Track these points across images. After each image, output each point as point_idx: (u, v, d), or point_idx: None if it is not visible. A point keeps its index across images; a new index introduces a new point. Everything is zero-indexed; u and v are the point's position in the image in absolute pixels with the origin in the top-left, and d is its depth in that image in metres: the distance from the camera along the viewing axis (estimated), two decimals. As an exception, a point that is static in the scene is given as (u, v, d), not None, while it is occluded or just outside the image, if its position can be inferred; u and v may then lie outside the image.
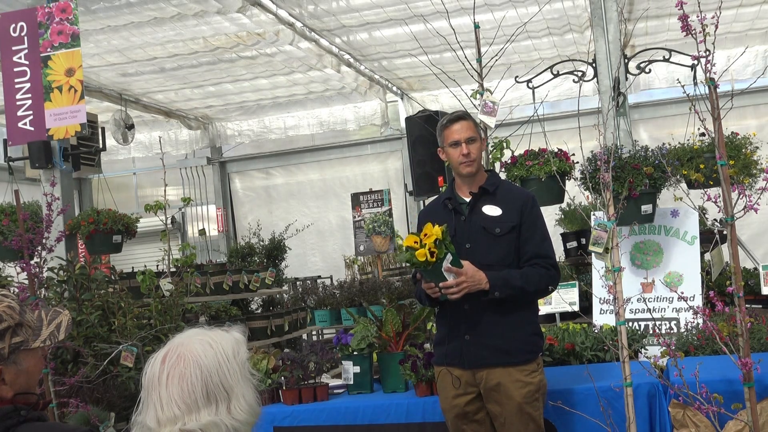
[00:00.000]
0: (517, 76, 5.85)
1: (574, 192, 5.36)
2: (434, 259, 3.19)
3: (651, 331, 4.67)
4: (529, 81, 5.79)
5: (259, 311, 7.99)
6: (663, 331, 4.84)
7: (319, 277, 10.49)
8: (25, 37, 5.96)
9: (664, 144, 5.03)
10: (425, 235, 3.17)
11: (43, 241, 4.14)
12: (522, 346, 3.38)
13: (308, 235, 11.18)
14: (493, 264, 3.32)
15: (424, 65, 7.07)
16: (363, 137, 11.79)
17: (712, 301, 2.80)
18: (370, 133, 11.51)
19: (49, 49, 5.92)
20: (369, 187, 9.54)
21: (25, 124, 5.91)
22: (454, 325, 3.40)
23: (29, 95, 5.91)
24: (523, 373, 3.34)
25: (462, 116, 3.56)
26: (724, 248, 5.18)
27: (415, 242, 3.19)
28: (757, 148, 5.02)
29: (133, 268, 6.23)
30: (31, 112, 5.90)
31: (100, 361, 4.46)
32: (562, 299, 5.48)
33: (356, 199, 8.96)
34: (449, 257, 3.22)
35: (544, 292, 3.52)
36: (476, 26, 4.83)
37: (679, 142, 5.10)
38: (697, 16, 2.78)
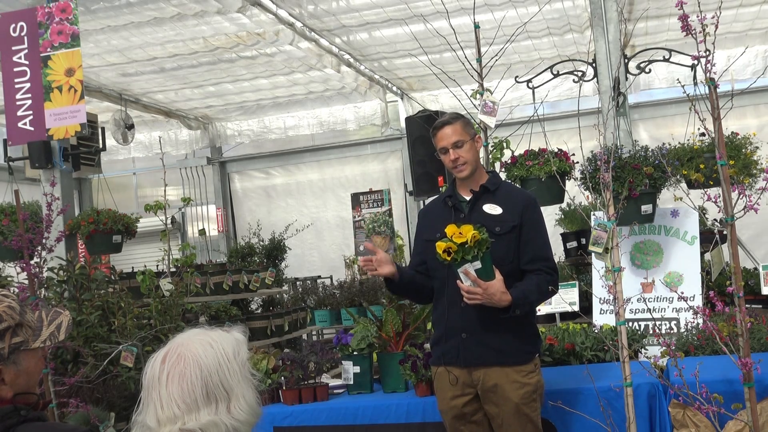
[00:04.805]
0: (517, 76, 5.85)
1: (574, 192, 5.36)
2: (450, 258, 3.19)
3: (651, 331, 4.67)
4: (529, 81, 5.79)
5: (259, 311, 7.99)
6: (663, 331, 4.84)
7: (319, 277, 10.49)
8: (25, 37, 5.96)
9: (664, 144, 5.03)
10: (460, 233, 3.17)
11: (43, 241, 4.14)
12: (519, 346, 3.37)
13: (308, 235, 11.18)
14: (493, 264, 3.31)
15: (424, 65, 7.07)
16: (363, 137, 11.79)
17: (712, 301, 2.80)
18: (370, 133, 11.51)
19: (49, 49, 5.92)
20: (369, 187, 9.54)
21: (25, 124, 5.91)
22: (451, 323, 3.40)
23: (29, 95, 5.91)
24: (521, 374, 3.34)
25: (447, 121, 3.52)
26: (724, 248, 5.19)
27: (454, 235, 3.18)
28: (757, 148, 5.02)
29: (133, 268, 6.23)
30: (31, 112, 5.90)
31: (100, 361, 4.46)
32: (562, 299, 5.48)
33: (356, 199, 8.96)
34: (477, 264, 3.20)
35: (548, 296, 3.53)
36: (476, 26, 4.83)
37: (679, 142, 5.10)
38: (697, 16, 2.78)
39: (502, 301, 3.24)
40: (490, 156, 4.99)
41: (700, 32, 2.77)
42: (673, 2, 3.02)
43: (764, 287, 5.35)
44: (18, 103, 5.93)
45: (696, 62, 2.93)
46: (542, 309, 5.65)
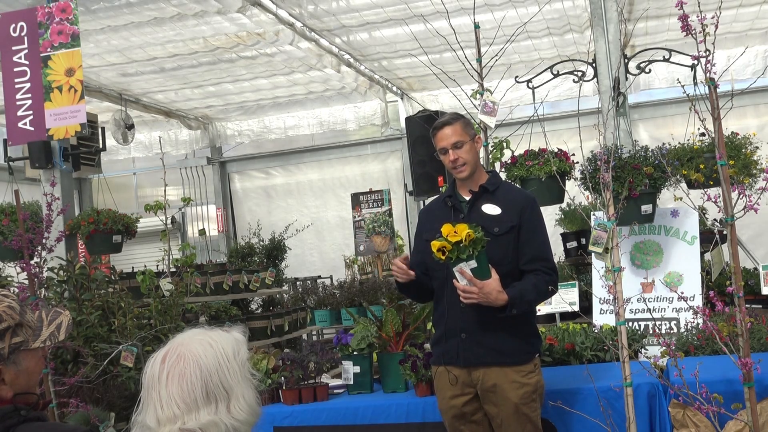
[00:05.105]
0: (517, 76, 5.85)
1: (574, 192, 5.36)
2: (444, 257, 3.20)
3: (651, 331, 4.67)
4: (529, 81, 5.80)
5: (259, 311, 7.99)
6: (663, 331, 4.84)
7: (319, 277, 10.49)
8: (25, 37, 5.96)
9: (664, 144, 5.03)
10: (455, 232, 3.17)
11: (43, 241, 4.14)
12: (518, 346, 3.38)
13: (308, 235, 11.18)
14: (491, 264, 3.31)
15: (424, 65, 7.07)
16: (363, 137, 11.79)
17: (712, 301, 2.80)
18: (370, 133, 11.51)
19: (49, 49, 5.92)
20: (369, 187, 9.53)
21: (25, 124, 5.91)
22: (451, 324, 3.41)
23: (29, 95, 5.91)
24: (520, 374, 3.34)
25: (447, 122, 3.51)
26: (724, 248, 5.19)
27: (449, 234, 3.19)
28: (757, 148, 5.02)
29: (133, 268, 6.23)
30: (31, 112, 5.90)
31: (100, 361, 4.46)
32: (562, 299, 5.48)
33: (356, 199, 8.95)
34: (472, 263, 3.20)
35: (547, 296, 3.53)
36: (476, 26, 4.83)
37: (679, 142, 5.10)
38: (697, 16, 2.78)
39: (498, 300, 3.24)
40: (490, 156, 4.99)
41: (700, 32, 2.76)
42: (673, 2, 3.02)
43: (764, 287, 5.35)
44: (18, 103, 5.93)
45: (696, 62, 2.93)
46: (542, 309, 5.65)
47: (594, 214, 5.11)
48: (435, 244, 3.21)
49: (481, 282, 3.22)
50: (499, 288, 3.24)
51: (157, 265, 6.43)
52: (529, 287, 3.34)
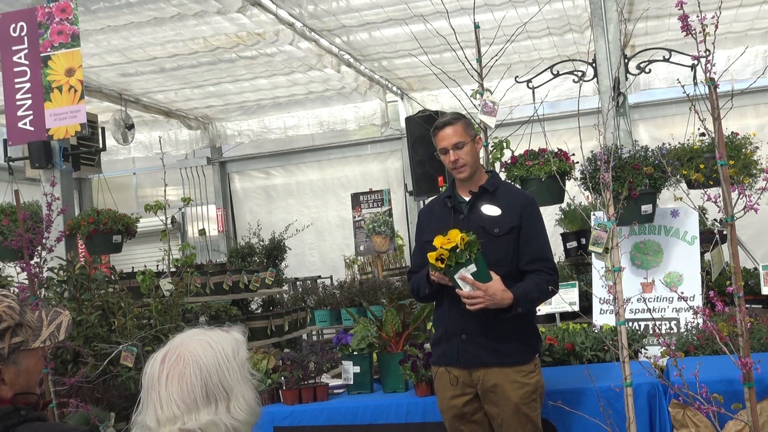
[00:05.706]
0: (517, 76, 5.85)
1: (574, 192, 5.36)
2: (443, 265, 3.20)
3: (651, 331, 4.67)
4: (529, 81, 5.80)
5: (259, 311, 7.99)
6: (663, 331, 4.84)
7: (319, 277, 10.49)
8: (25, 37, 5.96)
9: (664, 144, 5.03)
10: (448, 240, 3.17)
11: (43, 241, 4.14)
12: (518, 346, 3.37)
13: (308, 235, 11.18)
14: (491, 264, 3.31)
15: (424, 65, 7.07)
16: (363, 137, 11.80)
17: (712, 301, 2.80)
18: (370, 133, 11.51)
19: (49, 49, 5.92)
20: (369, 187, 9.53)
21: (25, 124, 5.90)
22: (451, 324, 3.40)
23: (29, 95, 5.91)
24: (520, 374, 3.34)
25: (448, 122, 3.50)
26: (724, 248, 5.19)
27: (443, 243, 3.19)
28: (757, 148, 5.02)
29: (133, 268, 6.23)
30: (31, 112, 5.90)
31: (100, 361, 4.46)
32: (562, 299, 5.48)
33: (356, 199, 8.95)
34: (472, 267, 3.20)
35: (548, 296, 3.53)
36: (476, 26, 4.83)
37: (679, 142, 5.10)
38: (697, 16, 2.77)
39: (504, 299, 3.24)
40: (490, 156, 4.99)
41: (700, 32, 2.76)
42: (673, 2, 3.02)
43: (764, 287, 5.35)
44: (18, 103, 5.93)
45: (696, 62, 2.93)
46: (542, 309, 5.64)
47: (594, 214, 5.11)
48: (432, 255, 3.21)
49: (484, 285, 3.22)
50: (503, 287, 3.25)
51: (157, 265, 6.43)
52: (532, 286, 3.34)
